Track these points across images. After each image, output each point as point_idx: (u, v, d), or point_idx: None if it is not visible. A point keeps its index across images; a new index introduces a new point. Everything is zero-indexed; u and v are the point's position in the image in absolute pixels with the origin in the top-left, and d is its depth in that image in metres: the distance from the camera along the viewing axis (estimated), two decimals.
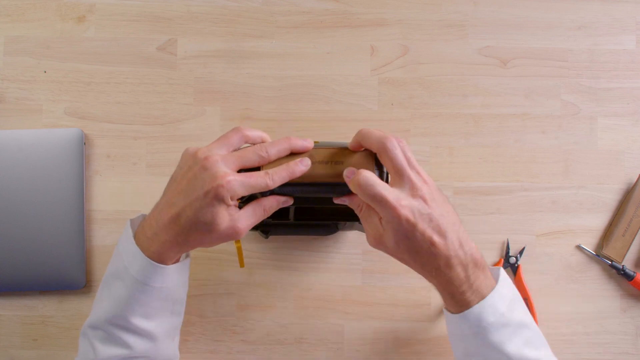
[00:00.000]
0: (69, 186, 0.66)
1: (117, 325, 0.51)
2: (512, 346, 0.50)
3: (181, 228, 0.48)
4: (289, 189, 0.51)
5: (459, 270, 0.49)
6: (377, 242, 0.50)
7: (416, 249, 0.48)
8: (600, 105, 0.71)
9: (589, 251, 0.69)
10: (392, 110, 0.70)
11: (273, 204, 0.51)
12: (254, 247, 0.68)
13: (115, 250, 0.54)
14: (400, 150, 0.49)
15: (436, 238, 0.48)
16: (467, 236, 0.50)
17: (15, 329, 0.67)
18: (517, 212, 0.70)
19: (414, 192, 0.48)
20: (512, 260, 0.69)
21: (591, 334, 0.69)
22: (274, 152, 0.50)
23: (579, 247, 0.70)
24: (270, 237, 0.67)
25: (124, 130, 0.69)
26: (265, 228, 0.63)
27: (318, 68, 0.71)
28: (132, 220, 0.54)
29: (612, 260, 0.68)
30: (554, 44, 0.72)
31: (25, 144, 0.66)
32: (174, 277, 0.52)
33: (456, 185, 0.70)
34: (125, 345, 0.51)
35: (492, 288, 0.51)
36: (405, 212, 0.47)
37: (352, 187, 0.50)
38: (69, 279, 0.66)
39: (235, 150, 0.51)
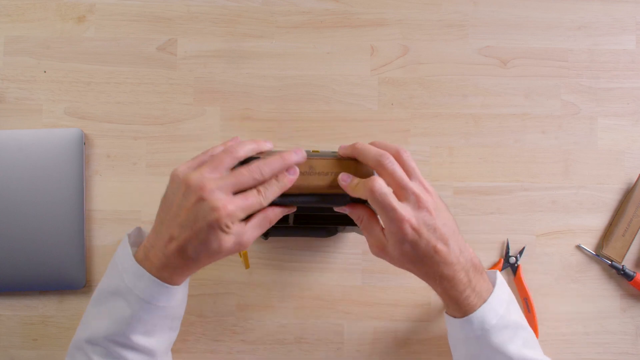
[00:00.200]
0: (69, 186, 0.66)
1: (117, 343, 0.51)
2: (513, 347, 0.51)
3: (190, 257, 0.49)
4: (290, 200, 0.51)
5: (462, 276, 0.50)
6: (381, 252, 0.51)
7: (420, 258, 0.49)
8: (600, 105, 0.71)
9: (589, 251, 0.69)
10: (392, 110, 0.70)
11: (277, 213, 0.51)
12: (254, 247, 0.68)
13: (112, 265, 0.53)
14: (397, 165, 0.49)
15: (440, 246, 0.49)
16: (464, 242, 0.52)
17: (15, 329, 0.67)
18: (517, 212, 0.70)
19: (419, 204, 0.49)
20: (512, 260, 0.69)
21: (591, 334, 0.69)
22: (268, 173, 0.49)
23: (579, 247, 0.70)
24: (270, 238, 0.67)
25: (124, 130, 0.69)
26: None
27: (318, 68, 0.71)
28: (129, 235, 0.54)
29: (612, 260, 0.68)
30: (554, 44, 0.72)
31: (25, 144, 0.66)
32: (180, 296, 0.53)
33: (456, 185, 0.70)
34: None
35: (491, 291, 0.52)
36: (411, 224, 0.48)
37: (351, 191, 0.50)
38: (69, 279, 0.66)
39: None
